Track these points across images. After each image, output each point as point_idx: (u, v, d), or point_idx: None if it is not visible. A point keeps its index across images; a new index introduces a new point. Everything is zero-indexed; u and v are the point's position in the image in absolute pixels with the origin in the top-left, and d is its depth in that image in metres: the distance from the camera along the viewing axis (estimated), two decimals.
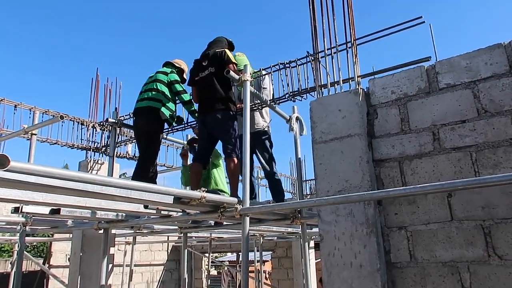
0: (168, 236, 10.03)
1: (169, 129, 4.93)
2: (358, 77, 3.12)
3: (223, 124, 3.75)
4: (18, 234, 4.67)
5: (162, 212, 3.45)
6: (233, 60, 3.87)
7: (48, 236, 9.00)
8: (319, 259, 2.92)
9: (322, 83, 3.30)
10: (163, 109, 4.18)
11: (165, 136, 4.94)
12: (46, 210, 3.38)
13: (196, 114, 4.44)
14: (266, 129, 4.46)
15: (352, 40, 3.16)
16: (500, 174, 2.17)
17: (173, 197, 2.68)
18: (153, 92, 4.21)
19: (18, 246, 4.55)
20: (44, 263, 8.96)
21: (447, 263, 2.45)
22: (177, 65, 4.57)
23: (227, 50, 3.94)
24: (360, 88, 2.97)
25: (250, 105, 3.67)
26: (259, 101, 4.07)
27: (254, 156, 4.49)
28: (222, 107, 3.77)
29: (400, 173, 2.73)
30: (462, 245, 2.41)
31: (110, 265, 5.31)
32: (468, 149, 2.53)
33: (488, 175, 2.25)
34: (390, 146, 2.81)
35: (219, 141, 4.05)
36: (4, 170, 1.38)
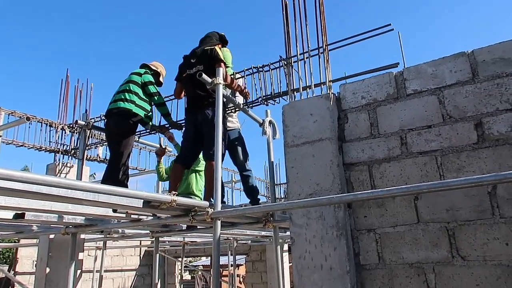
0: (140, 241, 9.85)
1: (144, 131, 4.85)
2: (329, 81, 3.17)
3: (211, 124, 3.63)
4: None
5: (132, 216, 3.39)
6: (222, 58, 3.75)
7: (14, 242, 8.67)
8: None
9: (294, 87, 3.34)
10: (136, 109, 4.10)
11: (137, 139, 4.86)
12: (10, 214, 3.25)
13: (169, 118, 4.39)
14: (238, 129, 4.44)
15: (324, 46, 3.21)
16: (463, 177, 2.24)
17: (142, 200, 2.64)
18: (126, 94, 4.14)
19: None
20: (9, 270, 8.61)
21: (413, 265, 2.51)
22: (153, 67, 4.50)
23: (217, 48, 3.83)
24: (332, 93, 3.02)
25: (225, 108, 3.68)
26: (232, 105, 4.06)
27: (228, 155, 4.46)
28: (211, 104, 3.66)
29: (369, 177, 2.79)
30: (428, 246, 2.48)
31: (79, 271, 5.16)
32: (434, 153, 2.61)
33: (452, 179, 2.32)
34: (360, 150, 2.86)
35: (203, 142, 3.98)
36: None
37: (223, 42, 4.24)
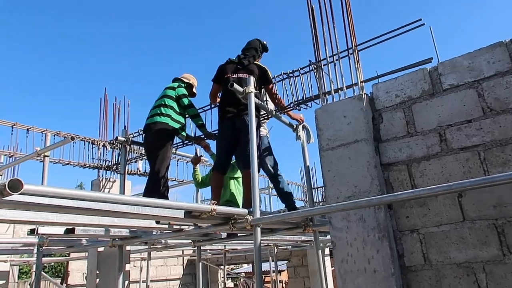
0: (183, 250, 10.06)
1: (180, 144, 4.98)
2: (361, 82, 3.14)
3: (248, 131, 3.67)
4: (35, 255, 4.73)
5: (174, 226, 3.48)
6: (271, 79, 3.95)
7: (65, 256, 9.08)
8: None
9: (326, 91, 3.33)
10: (172, 123, 4.23)
11: (174, 151, 4.99)
12: (61, 230, 3.44)
13: (203, 128, 4.49)
14: (266, 135, 4.45)
15: (353, 46, 3.19)
16: (509, 172, 2.15)
17: (183, 211, 2.71)
18: (162, 108, 4.27)
19: (35, 267, 4.61)
20: (61, 283, 9.04)
21: (461, 264, 2.42)
22: (185, 80, 4.63)
23: (268, 69, 3.95)
24: (364, 93, 2.99)
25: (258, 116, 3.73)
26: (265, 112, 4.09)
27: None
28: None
29: (409, 176, 2.73)
30: (476, 245, 2.39)
31: (127, 282, 5.34)
32: (476, 148, 2.52)
33: (498, 174, 2.23)
34: (397, 149, 2.81)
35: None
36: (19, 194, 1.42)
37: (265, 50, 4.26)
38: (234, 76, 3.89)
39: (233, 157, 4.26)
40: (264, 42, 4.21)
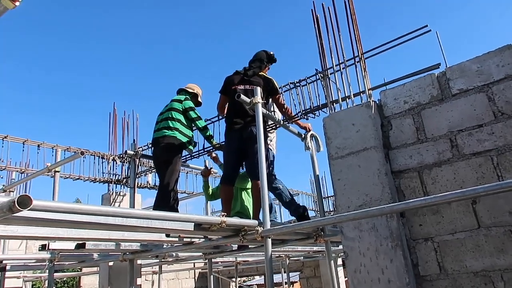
0: (194, 263, 10.00)
1: (189, 156, 4.98)
2: (369, 89, 3.12)
3: (255, 142, 3.66)
4: (47, 270, 4.74)
5: (185, 239, 3.46)
6: (278, 89, 3.96)
7: (77, 271, 9.10)
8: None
9: (333, 99, 3.31)
10: (180, 136, 4.24)
11: (184, 163, 5.00)
12: (72, 245, 3.44)
13: (212, 140, 4.49)
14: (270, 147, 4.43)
15: (360, 54, 3.18)
16: None
17: (193, 223, 2.70)
18: (169, 121, 4.29)
19: (47, 283, 4.63)
20: None
21: (479, 273, 2.36)
22: (190, 90, 4.64)
23: (274, 81, 3.96)
24: (372, 101, 2.97)
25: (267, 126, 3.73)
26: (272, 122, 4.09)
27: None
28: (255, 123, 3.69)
29: (420, 183, 2.69)
30: (493, 253, 2.33)
31: None
32: (488, 153, 2.47)
33: None
34: (408, 156, 2.78)
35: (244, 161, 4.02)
36: (28, 210, 1.42)
37: (272, 61, 4.24)
38: (240, 88, 3.90)
39: (242, 168, 4.25)
40: (271, 53, 4.19)
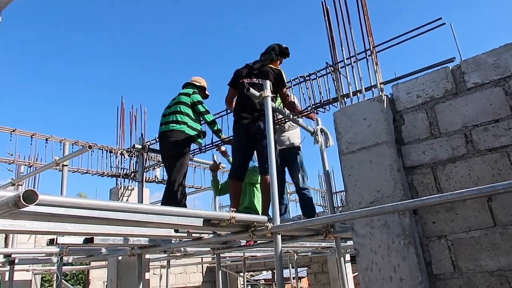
0: (202, 258, 10.01)
1: (197, 150, 4.95)
2: (380, 84, 3.05)
3: (264, 136, 3.61)
4: (56, 264, 4.76)
5: (194, 235, 3.44)
6: (286, 83, 3.90)
7: (85, 264, 9.16)
8: (356, 273, 2.81)
9: (344, 93, 3.25)
10: (188, 130, 4.20)
11: (191, 158, 4.97)
12: (80, 239, 3.43)
13: (220, 134, 4.45)
14: (299, 144, 4.41)
15: (371, 48, 3.11)
16: None
17: (202, 219, 2.66)
18: (177, 115, 4.25)
19: (56, 277, 4.67)
20: None
21: (494, 272, 2.30)
22: (197, 84, 4.60)
23: (283, 71, 3.89)
24: (384, 95, 2.90)
25: (276, 121, 3.68)
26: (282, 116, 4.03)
27: (286, 171, 4.45)
28: (264, 116, 3.65)
29: (434, 179, 2.62)
30: (509, 252, 2.27)
31: None
32: (505, 149, 2.40)
33: None
34: (421, 152, 2.71)
35: (252, 155, 4.00)
36: (34, 205, 1.39)
37: (284, 55, 4.13)
38: (248, 81, 3.84)
39: (251, 163, 4.21)
40: (283, 46, 4.09)
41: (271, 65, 3.92)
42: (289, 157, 4.37)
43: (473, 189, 1.89)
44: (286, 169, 4.47)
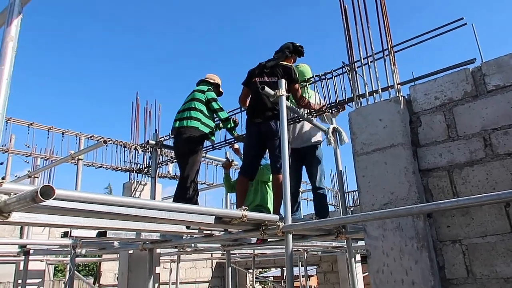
0: (211, 254, 10.07)
1: (210, 147, 4.96)
2: (397, 84, 3.01)
3: (275, 136, 3.61)
4: (69, 255, 4.84)
5: (205, 231, 3.45)
6: (297, 79, 3.83)
7: (98, 256, 9.30)
8: (366, 273, 2.79)
9: (360, 93, 3.21)
10: (201, 127, 4.22)
11: (204, 155, 4.98)
12: (93, 233, 3.48)
13: (234, 131, 4.46)
14: (319, 142, 4.39)
15: (389, 48, 3.06)
16: None
17: (214, 217, 2.67)
18: (191, 112, 4.27)
19: (69, 268, 4.73)
20: (94, 282, 9.26)
21: (509, 279, 2.26)
22: (211, 81, 4.61)
23: (293, 67, 3.88)
24: (401, 96, 2.86)
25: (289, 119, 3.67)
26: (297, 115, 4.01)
27: (304, 169, 4.43)
28: (275, 116, 3.61)
29: (450, 183, 2.58)
30: None
31: (156, 284, 5.37)
32: None
33: None
34: (437, 154, 2.67)
35: (263, 154, 4.00)
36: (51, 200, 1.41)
37: (298, 53, 4.11)
38: (260, 80, 3.85)
39: (263, 161, 4.21)
40: (297, 45, 4.07)
41: (283, 63, 3.90)
42: (308, 154, 4.34)
43: (491, 194, 1.85)
44: (303, 167, 4.45)
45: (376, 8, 3.16)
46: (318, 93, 3.95)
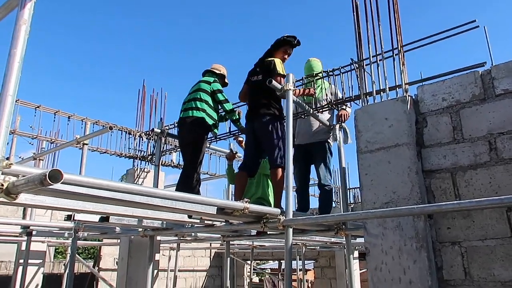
0: (210, 243, 10.14)
1: (213, 138, 4.98)
2: (405, 84, 3.00)
3: (267, 132, 3.66)
4: (70, 238, 4.90)
5: (206, 221, 3.48)
6: (281, 72, 3.70)
7: (98, 241, 9.38)
8: (363, 270, 2.82)
9: (367, 91, 3.21)
10: (207, 118, 4.23)
11: (208, 145, 5.00)
12: (96, 217, 3.52)
13: (238, 123, 4.47)
14: (330, 139, 4.38)
15: (399, 47, 3.05)
16: None
17: (216, 207, 2.70)
18: (197, 102, 4.27)
19: (70, 251, 4.79)
20: (94, 266, 9.35)
21: (507, 283, 2.27)
22: (217, 71, 4.60)
23: (276, 60, 3.78)
24: (408, 96, 2.85)
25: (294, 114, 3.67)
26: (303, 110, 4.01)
27: (312, 166, 4.44)
28: (267, 112, 3.67)
29: (452, 185, 2.59)
30: None
31: (156, 271, 5.43)
32: None
33: None
34: (442, 156, 2.67)
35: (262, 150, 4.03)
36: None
37: (289, 44, 4.00)
38: (252, 79, 3.98)
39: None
40: (286, 35, 3.95)
41: (268, 59, 3.87)
42: (313, 151, 4.35)
43: (494, 198, 1.86)
44: (311, 165, 4.46)
45: (388, 6, 3.15)
46: (335, 86, 3.88)
